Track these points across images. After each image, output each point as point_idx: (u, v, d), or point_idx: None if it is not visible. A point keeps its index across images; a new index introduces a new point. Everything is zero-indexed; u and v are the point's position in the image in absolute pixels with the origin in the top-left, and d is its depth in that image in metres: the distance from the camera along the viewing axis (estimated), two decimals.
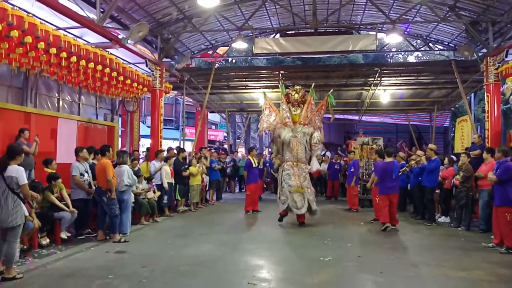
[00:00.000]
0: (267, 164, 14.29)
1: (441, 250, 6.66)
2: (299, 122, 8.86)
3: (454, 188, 9.13)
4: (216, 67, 13.81)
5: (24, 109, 8.14)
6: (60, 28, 8.10)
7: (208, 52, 14.76)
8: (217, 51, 14.77)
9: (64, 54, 7.36)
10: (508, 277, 5.22)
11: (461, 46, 11.67)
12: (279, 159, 9.17)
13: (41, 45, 6.78)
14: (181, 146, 13.82)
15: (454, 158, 10.15)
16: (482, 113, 13.73)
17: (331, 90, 9.75)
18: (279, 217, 8.81)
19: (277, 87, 14.14)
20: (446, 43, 13.26)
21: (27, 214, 5.26)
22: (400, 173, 9.88)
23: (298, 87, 9.25)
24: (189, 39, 13.30)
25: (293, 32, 12.91)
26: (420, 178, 9.42)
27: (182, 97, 15.24)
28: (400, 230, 8.40)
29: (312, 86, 9.31)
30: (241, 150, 21.90)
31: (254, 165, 10.72)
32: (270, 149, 10.38)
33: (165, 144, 14.15)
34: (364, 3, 11.91)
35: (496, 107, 10.18)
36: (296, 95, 8.97)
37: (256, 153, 11.98)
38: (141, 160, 11.36)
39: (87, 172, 7.56)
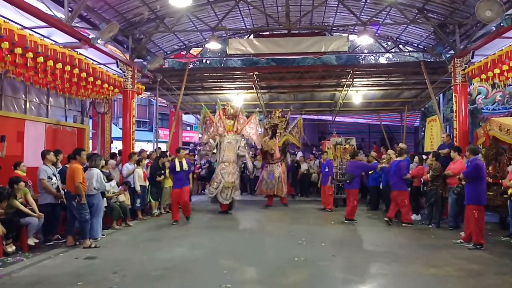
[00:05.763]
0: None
1: (412, 247, 6.81)
2: (233, 131, 10.84)
3: (423, 186, 9.35)
4: (189, 67, 13.67)
5: None
6: (26, 28, 7.79)
7: (182, 53, 14.59)
8: (191, 51, 14.63)
9: (30, 55, 7.09)
10: (477, 272, 5.39)
11: (429, 47, 11.99)
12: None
13: (5, 44, 6.51)
14: (160, 150, 13.49)
15: (424, 156, 10.41)
16: (451, 113, 14.16)
17: (257, 109, 12.83)
18: (221, 211, 10.35)
19: (251, 88, 14.22)
20: (416, 45, 13.60)
21: None
22: (371, 172, 10.11)
23: (232, 104, 11.85)
24: (161, 39, 13.11)
25: (267, 33, 12.94)
26: None
27: (155, 98, 15.02)
28: (372, 228, 8.55)
29: (257, 110, 12.09)
30: None
31: (177, 169, 9.24)
32: (251, 152, 11.89)
33: (138, 146, 13.89)
34: (336, 5, 12.06)
35: (464, 107, 10.52)
36: (232, 110, 11.11)
37: (185, 154, 10.18)
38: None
39: (55, 175, 7.32)
